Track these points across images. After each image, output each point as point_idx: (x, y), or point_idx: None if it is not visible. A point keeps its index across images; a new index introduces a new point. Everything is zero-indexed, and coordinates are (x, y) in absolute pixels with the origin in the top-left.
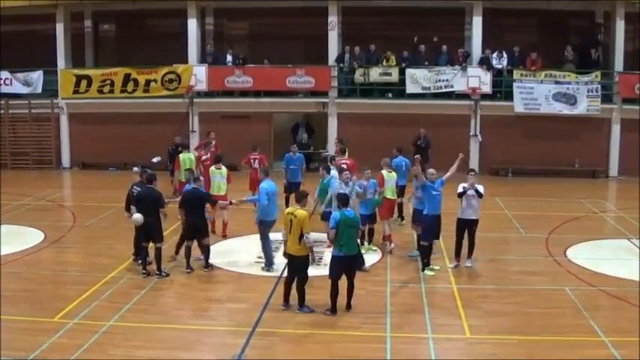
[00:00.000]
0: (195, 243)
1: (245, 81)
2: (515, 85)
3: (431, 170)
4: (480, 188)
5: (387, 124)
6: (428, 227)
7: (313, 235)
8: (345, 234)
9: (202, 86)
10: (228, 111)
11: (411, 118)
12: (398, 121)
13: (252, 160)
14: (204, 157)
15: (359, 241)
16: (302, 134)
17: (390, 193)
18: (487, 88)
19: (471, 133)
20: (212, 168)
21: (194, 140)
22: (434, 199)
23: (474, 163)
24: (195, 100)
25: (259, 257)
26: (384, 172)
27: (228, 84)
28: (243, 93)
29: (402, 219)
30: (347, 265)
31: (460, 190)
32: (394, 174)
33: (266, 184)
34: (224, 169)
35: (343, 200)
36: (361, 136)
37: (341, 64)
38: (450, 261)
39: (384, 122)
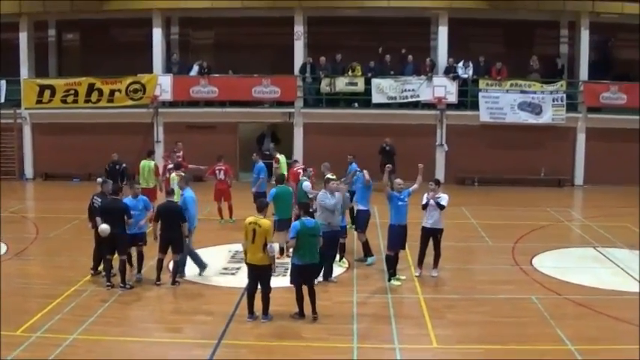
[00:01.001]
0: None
1: (210, 91)
2: (480, 94)
3: (398, 180)
4: (443, 199)
5: (353, 133)
6: (394, 237)
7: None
8: (307, 243)
9: (167, 96)
10: (194, 121)
11: (377, 128)
12: (364, 131)
13: (217, 171)
14: (169, 167)
15: (338, 256)
16: (268, 144)
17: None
18: (453, 98)
19: (437, 143)
20: (172, 175)
21: (159, 151)
22: (399, 210)
23: (439, 172)
24: (160, 110)
25: (225, 269)
26: (328, 177)
27: (193, 94)
28: (209, 103)
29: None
30: (307, 273)
31: (424, 201)
32: (335, 178)
33: (189, 193)
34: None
35: (305, 208)
36: (327, 146)
37: (305, 75)
38: (415, 270)
39: (350, 132)
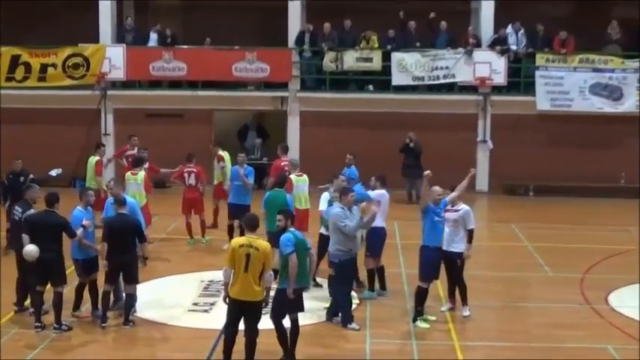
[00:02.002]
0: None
1: (177, 67)
2: (538, 73)
3: (436, 188)
4: (466, 215)
5: (365, 126)
6: (428, 263)
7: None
8: (302, 260)
9: (119, 74)
10: (154, 108)
11: (398, 119)
12: (380, 123)
13: (185, 175)
14: (130, 153)
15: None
16: (252, 139)
17: (300, 202)
18: (501, 79)
19: (478, 139)
20: (127, 174)
21: (109, 148)
22: (435, 227)
23: (481, 178)
24: (109, 92)
25: (195, 304)
26: (292, 176)
27: (153, 71)
28: (174, 84)
29: None
30: (296, 301)
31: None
32: (305, 178)
33: (130, 198)
34: (141, 174)
35: (292, 217)
36: (331, 142)
37: (302, 48)
38: (445, 302)
39: (361, 124)
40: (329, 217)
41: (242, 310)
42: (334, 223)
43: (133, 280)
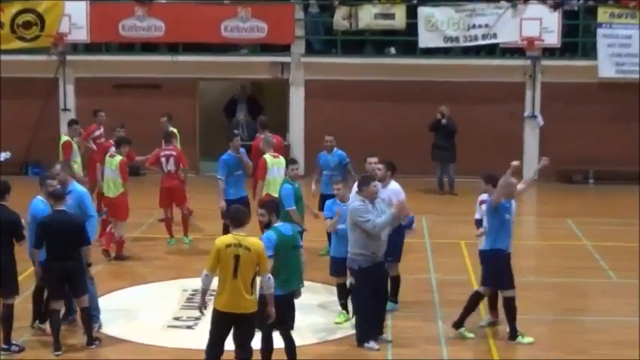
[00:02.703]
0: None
1: (152, 27)
2: (600, 32)
3: (510, 179)
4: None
5: (386, 98)
6: (499, 268)
7: None
8: (290, 260)
9: (81, 35)
10: (125, 77)
11: (426, 90)
12: (404, 95)
13: (163, 159)
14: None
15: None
16: (241, 115)
17: (276, 189)
18: (553, 39)
19: (525, 113)
20: (107, 157)
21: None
22: (505, 226)
23: (530, 161)
24: (68, 57)
25: (177, 318)
26: (267, 156)
27: (124, 32)
28: (149, 47)
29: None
30: (288, 307)
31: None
32: (282, 160)
33: (79, 187)
34: (117, 159)
35: (277, 209)
36: (343, 118)
37: (308, 2)
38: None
39: (381, 96)
40: (347, 214)
41: (230, 323)
42: (353, 219)
43: (81, 291)
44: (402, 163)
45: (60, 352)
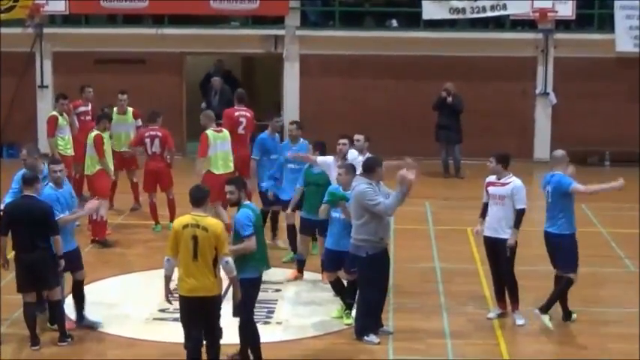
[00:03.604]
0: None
1: None
2: (618, 3)
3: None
4: (517, 192)
5: (387, 74)
6: (570, 251)
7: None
8: (261, 239)
9: (59, 6)
10: (107, 51)
11: (430, 65)
12: (407, 71)
13: (147, 140)
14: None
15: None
16: (216, 82)
17: (217, 166)
18: (567, 10)
19: (537, 91)
20: (92, 134)
21: (47, 105)
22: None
23: (541, 142)
24: (46, 30)
25: (163, 310)
26: (209, 131)
27: (105, 2)
28: (132, 18)
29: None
30: (258, 289)
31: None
32: (226, 134)
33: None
34: (92, 134)
35: (240, 184)
36: (341, 96)
37: None
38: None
39: (382, 72)
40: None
41: (197, 309)
42: (361, 203)
43: (48, 284)
44: (404, 143)
45: (37, 347)
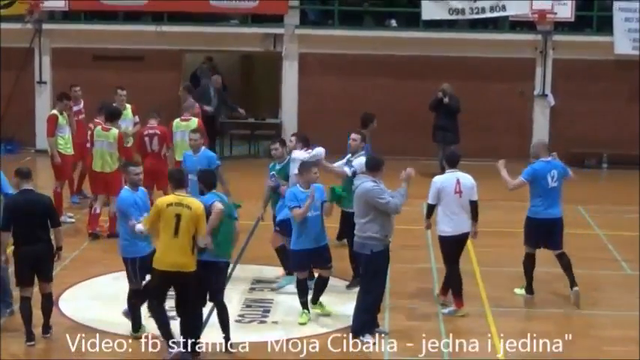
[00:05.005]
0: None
1: None
2: (617, 5)
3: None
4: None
5: (385, 74)
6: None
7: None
8: (228, 229)
9: (59, 2)
10: (106, 47)
11: (428, 65)
12: (405, 71)
13: (146, 138)
14: (75, 109)
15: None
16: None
17: (178, 153)
18: (566, 12)
19: (535, 92)
20: (97, 129)
21: (45, 102)
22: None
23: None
24: (45, 26)
25: None
26: (176, 121)
27: (104, 0)
28: (132, 16)
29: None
30: (219, 273)
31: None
32: (194, 121)
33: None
34: (114, 131)
35: (212, 178)
36: (341, 95)
37: None
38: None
39: (380, 71)
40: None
41: (172, 283)
42: (369, 201)
43: (49, 276)
44: (401, 143)
45: (33, 343)
